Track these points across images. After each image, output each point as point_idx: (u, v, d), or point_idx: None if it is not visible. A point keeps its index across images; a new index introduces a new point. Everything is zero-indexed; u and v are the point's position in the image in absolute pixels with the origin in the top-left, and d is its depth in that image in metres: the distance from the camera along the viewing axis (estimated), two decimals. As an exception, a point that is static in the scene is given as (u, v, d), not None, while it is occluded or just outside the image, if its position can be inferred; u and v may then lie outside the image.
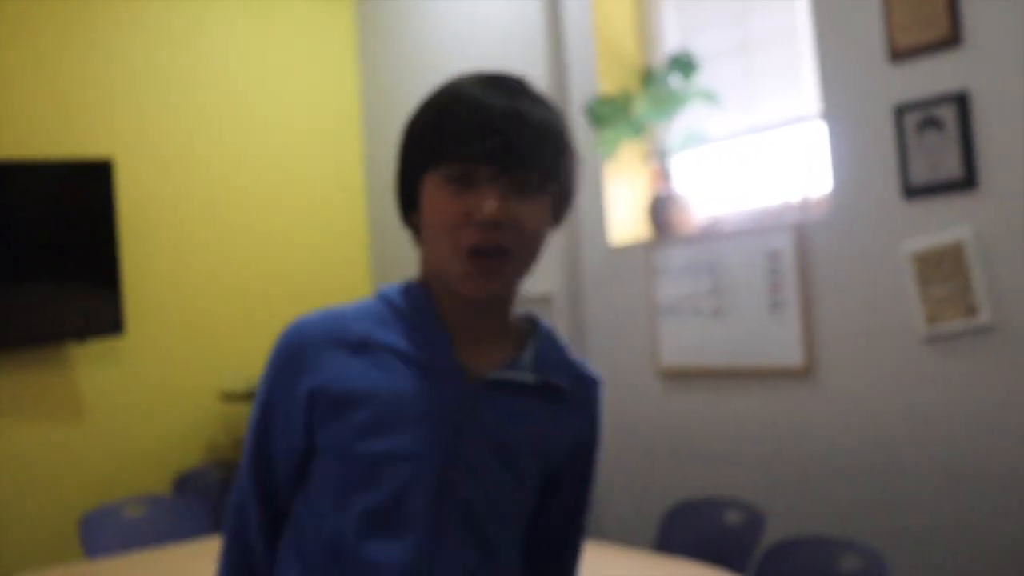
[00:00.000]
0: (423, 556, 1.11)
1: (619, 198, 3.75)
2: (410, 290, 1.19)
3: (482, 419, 1.15)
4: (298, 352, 1.16)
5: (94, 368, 4.20)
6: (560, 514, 1.27)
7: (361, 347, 1.15)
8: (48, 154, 4.09)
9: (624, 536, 3.52)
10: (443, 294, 1.17)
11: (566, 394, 1.21)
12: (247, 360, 4.39)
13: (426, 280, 1.19)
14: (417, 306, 1.17)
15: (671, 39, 3.70)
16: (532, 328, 1.23)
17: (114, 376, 4.24)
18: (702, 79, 3.44)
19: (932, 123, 2.71)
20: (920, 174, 2.74)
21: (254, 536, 1.20)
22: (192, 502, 3.65)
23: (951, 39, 2.66)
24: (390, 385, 1.13)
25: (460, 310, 1.16)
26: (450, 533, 1.13)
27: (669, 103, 3.44)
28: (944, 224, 2.70)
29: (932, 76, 2.71)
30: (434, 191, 1.12)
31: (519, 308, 1.23)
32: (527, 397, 1.18)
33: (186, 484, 4.14)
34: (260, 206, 4.70)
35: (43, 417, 4.11)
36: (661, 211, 3.52)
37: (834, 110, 2.98)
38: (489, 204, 1.08)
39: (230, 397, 4.40)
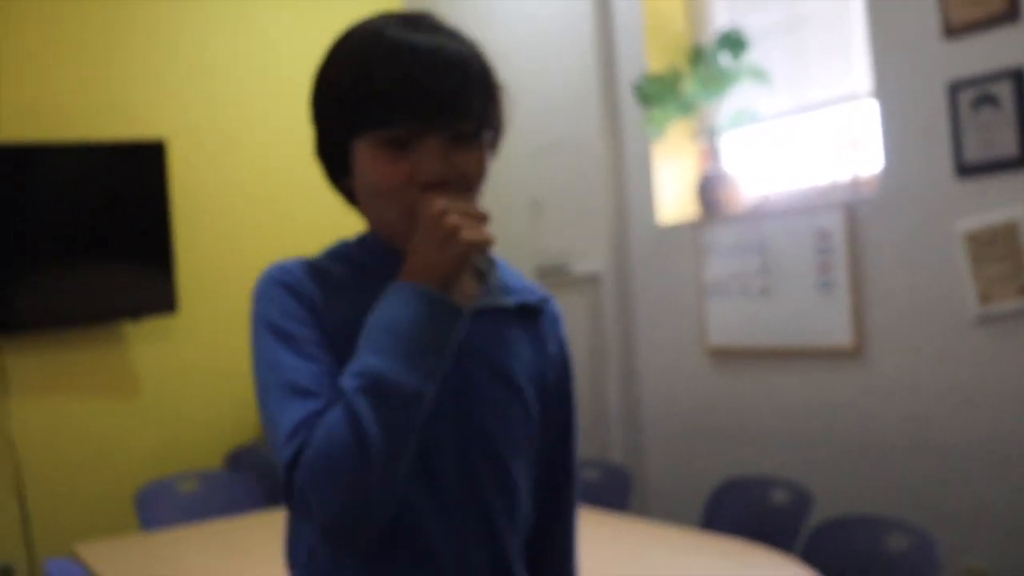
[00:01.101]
0: (456, 506, 1.09)
1: (667, 177, 3.74)
2: (368, 243, 1.15)
3: (480, 352, 1.12)
4: (297, 289, 1.09)
5: (148, 346, 4.28)
6: (554, 443, 1.23)
7: (349, 291, 1.10)
8: (103, 136, 4.16)
9: (671, 514, 3.52)
10: (402, 242, 1.08)
11: (541, 313, 1.21)
12: (297, 338, 4.43)
13: (379, 232, 1.14)
14: (385, 260, 1.11)
15: (720, 16, 3.67)
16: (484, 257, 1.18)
17: (167, 354, 4.32)
18: (752, 57, 3.41)
19: (987, 100, 2.67)
20: (974, 152, 2.70)
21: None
22: (244, 477, 3.72)
23: (1007, 14, 2.61)
24: None
25: None
26: (480, 477, 1.10)
27: (718, 81, 3.41)
28: (998, 203, 2.66)
29: (988, 52, 2.67)
30: (370, 157, 1.07)
31: None
32: (507, 323, 1.17)
33: (238, 460, 4.21)
34: (310, 187, 4.71)
35: (99, 394, 4.20)
36: (710, 190, 3.50)
37: (886, 87, 2.95)
38: (433, 165, 1.05)
39: (281, 375, 4.44)
